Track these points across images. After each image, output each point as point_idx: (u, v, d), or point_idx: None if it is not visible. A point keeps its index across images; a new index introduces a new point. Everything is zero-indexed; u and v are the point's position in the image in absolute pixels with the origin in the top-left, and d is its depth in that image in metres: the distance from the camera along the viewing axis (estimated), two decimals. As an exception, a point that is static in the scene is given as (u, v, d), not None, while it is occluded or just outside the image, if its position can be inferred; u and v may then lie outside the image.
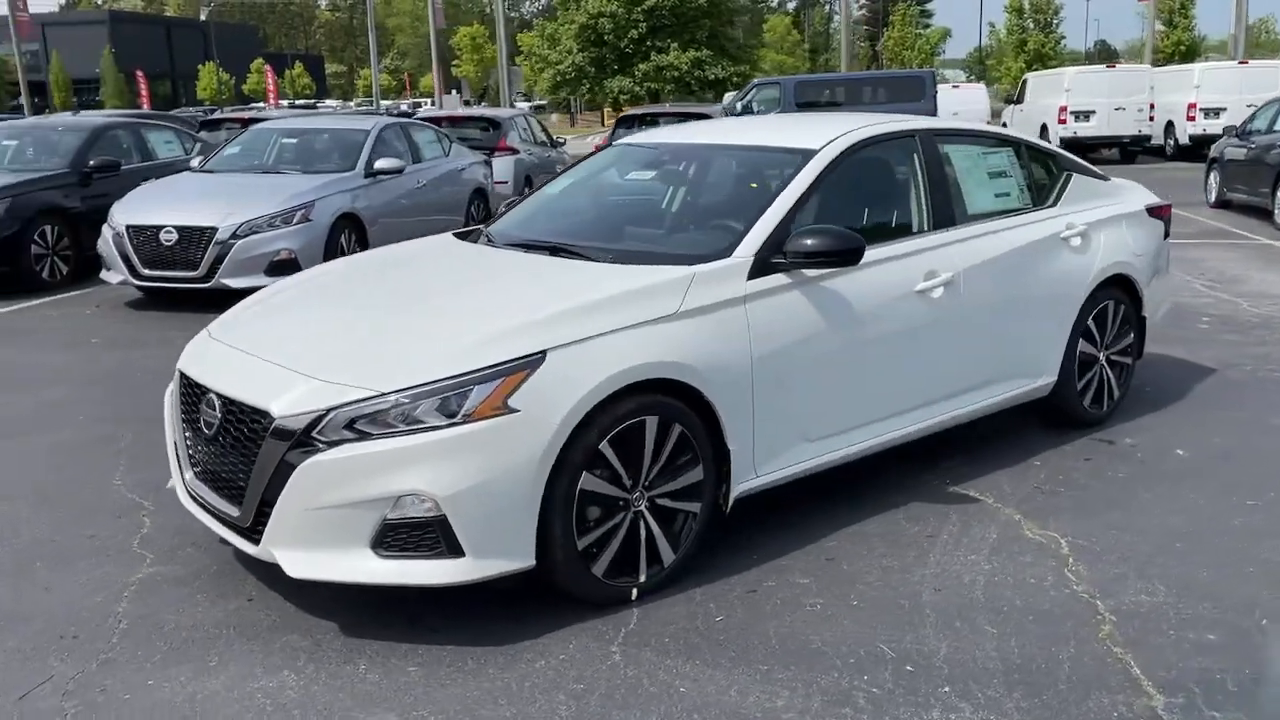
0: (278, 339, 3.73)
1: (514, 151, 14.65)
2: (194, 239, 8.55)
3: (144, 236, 8.68)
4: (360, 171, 9.78)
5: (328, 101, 68.26)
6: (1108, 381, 5.37)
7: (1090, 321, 5.19)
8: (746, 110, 22.25)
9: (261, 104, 54.25)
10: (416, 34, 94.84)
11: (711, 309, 3.71)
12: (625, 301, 3.58)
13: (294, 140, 10.44)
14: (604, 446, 3.38)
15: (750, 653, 3.23)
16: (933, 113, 21.25)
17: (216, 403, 3.51)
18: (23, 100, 33.74)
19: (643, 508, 3.54)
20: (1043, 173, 5.31)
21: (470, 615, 3.45)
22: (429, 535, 3.19)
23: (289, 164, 10.09)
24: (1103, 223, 5.29)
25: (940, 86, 26.41)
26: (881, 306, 4.22)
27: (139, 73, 60.56)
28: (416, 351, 3.37)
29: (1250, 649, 3.22)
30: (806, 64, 71.29)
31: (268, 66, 62.43)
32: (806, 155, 4.30)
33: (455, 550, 3.19)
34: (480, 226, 5.05)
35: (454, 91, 66.81)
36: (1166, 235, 5.83)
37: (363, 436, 3.18)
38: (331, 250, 8.87)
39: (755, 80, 24.29)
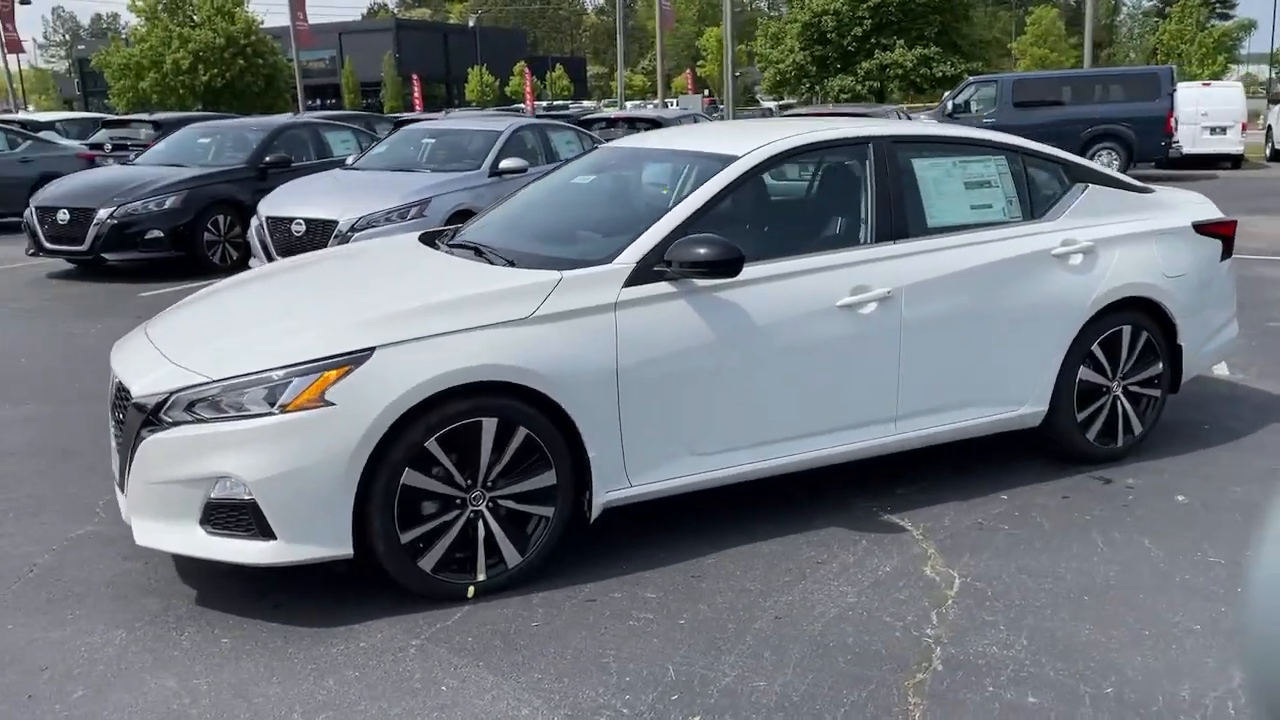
0: (176, 329, 4.04)
1: (679, 152, 14.70)
2: (319, 231, 9.22)
3: (279, 228, 9.46)
4: (485, 170, 10.20)
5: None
6: (1124, 414, 4.87)
7: (1096, 347, 4.73)
8: (961, 110, 21.38)
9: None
10: (674, 35, 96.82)
11: (574, 314, 3.70)
12: (478, 304, 3.64)
13: (434, 140, 11.02)
14: (431, 444, 3.46)
15: (536, 660, 3.23)
16: (1167, 113, 19.67)
17: (114, 384, 3.86)
18: (299, 101, 37.02)
19: (482, 508, 3.59)
20: (1045, 183, 4.89)
21: (323, 595, 3.62)
22: (244, 517, 3.39)
23: (426, 163, 10.67)
24: (1120, 239, 4.80)
25: (1187, 85, 24.29)
26: (792, 320, 4.04)
27: (415, 76, 64.91)
28: (263, 342, 3.58)
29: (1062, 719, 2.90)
30: (1073, 59, 67.00)
31: (526, 69, 65.36)
32: (725, 162, 4.19)
33: (267, 533, 3.37)
34: (455, 226, 5.21)
35: (705, 91, 67.64)
36: (1227, 256, 5.21)
37: (198, 419, 3.41)
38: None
39: (969, 79, 23.18)
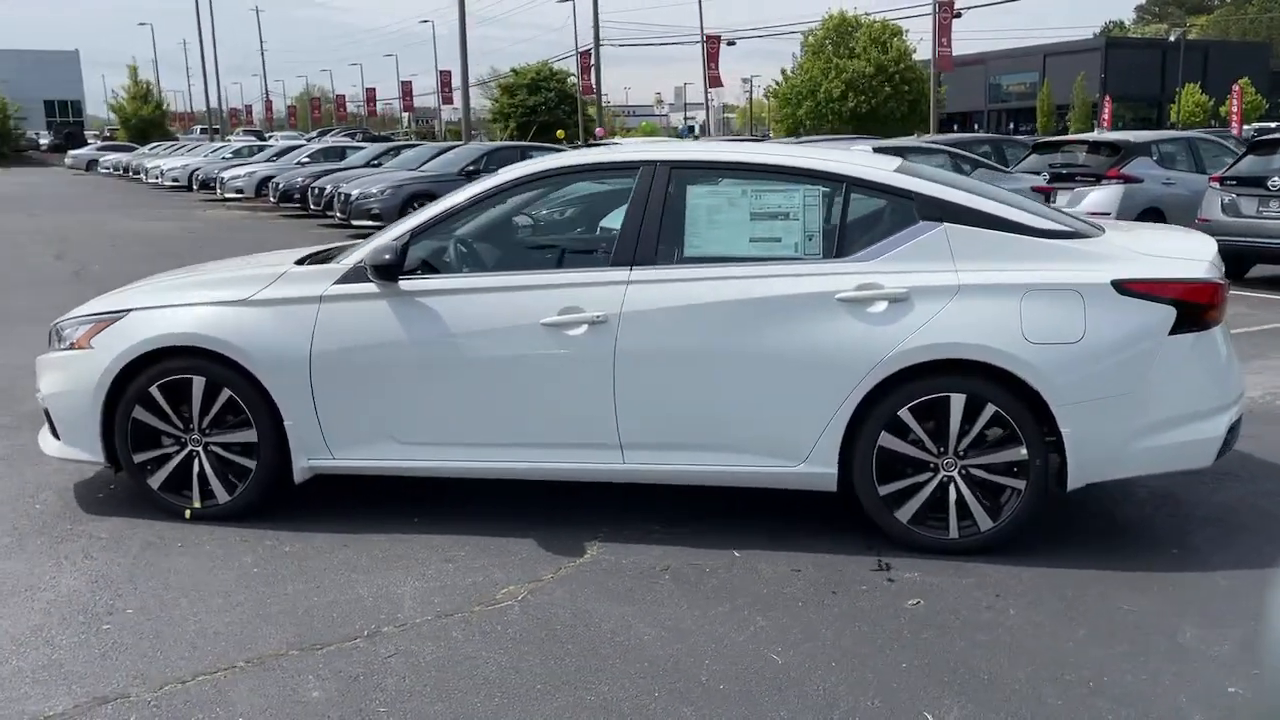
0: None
1: (1132, 180, 13.10)
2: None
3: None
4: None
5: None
6: (961, 501, 4.07)
7: (906, 413, 4.04)
8: None
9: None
10: None
11: (283, 302, 4.38)
12: (219, 285, 4.54)
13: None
14: (153, 390, 4.44)
15: (172, 581, 4.06)
16: None
17: None
18: (930, 125, 38.15)
19: (198, 449, 4.48)
20: (873, 220, 4.23)
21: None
22: (50, 421, 4.68)
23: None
24: (957, 289, 4.01)
25: None
26: (493, 332, 4.24)
27: (1107, 97, 61.14)
28: (101, 298, 4.81)
29: None
30: None
31: (1238, 87, 57.46)
32: (484, 181, 4.48)
33: (56, 434, 4.64)
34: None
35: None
36: (1190, 328, 3.98)
37: (51, 348, 4.78)
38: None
39: None
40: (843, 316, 4.05)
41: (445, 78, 66.49)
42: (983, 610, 3.67)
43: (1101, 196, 12.72)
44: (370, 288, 4.33)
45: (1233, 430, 4.15)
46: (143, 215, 22.22)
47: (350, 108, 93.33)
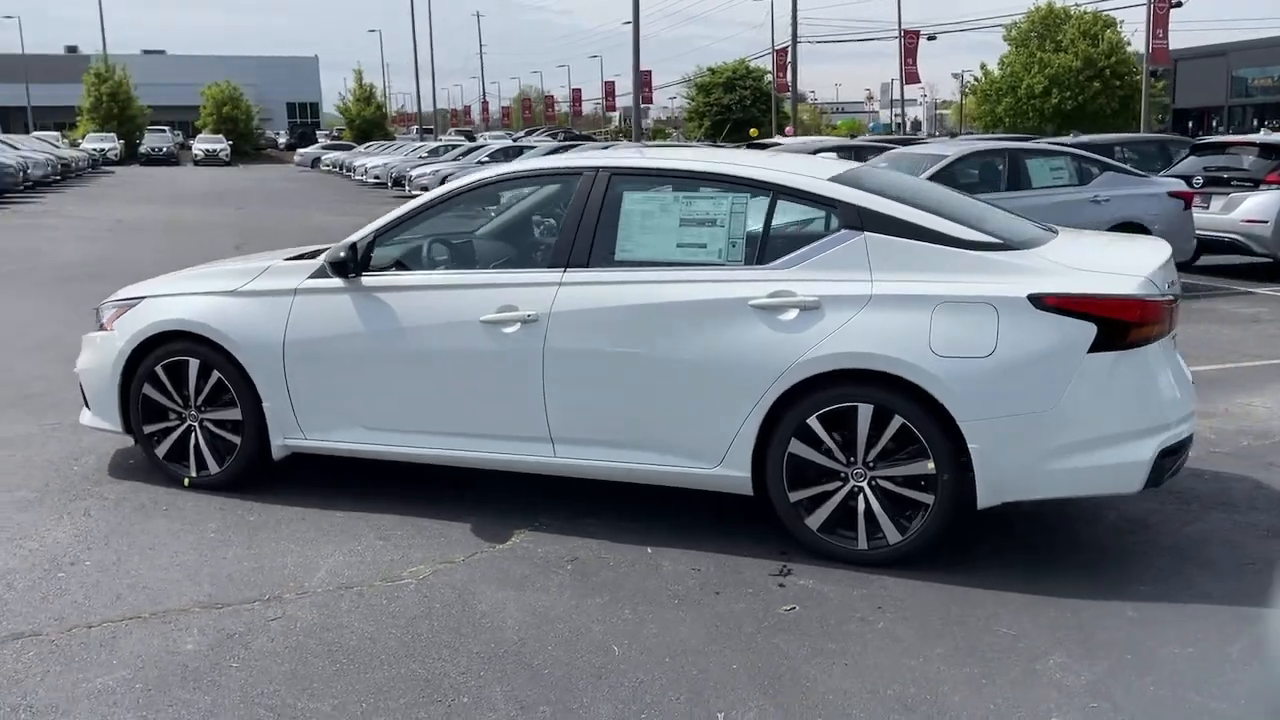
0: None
1: (1293, 186, 12.09)
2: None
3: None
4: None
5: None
6: (870, 512, 4.05)
7: (815, 421, 4.05)
8: None
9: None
10: None
11: (266, 294, 4.81)
12: (215, 278, 5.02)
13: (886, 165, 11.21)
14: (158, 369, 4.97)
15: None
16: None
17: None
18: (1141, 122, 35.99)
19: (195, 424, 4.98)
20: (797, 228, 4.22)
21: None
22: (83, 393, 5.30)
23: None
24: (869, 299, 3.98)
25: None
26: (440, 327, 4.52)
27: None
28: (134, 285, 5.39)
29: None
30: None
31: None
32: (441, 188, 4.76)
33: (86, 404, 5.25)
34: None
35: None
36: (1112, 346, 3.81)
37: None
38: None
39: None
40: (755, 323, 4.10)
41: (645, 78, 67.62)
42: (852, 621, 3.66)
43: (1258, 202, 11.81)
44: (338, 283, 4.69)
45: (1171, 454, 3.92)
46: (335, 210, 23.91)
47: (561, 108, 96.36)
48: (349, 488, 4.97)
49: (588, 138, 46.76)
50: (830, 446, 4.06)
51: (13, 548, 4.32)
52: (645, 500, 4.64)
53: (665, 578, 4.03)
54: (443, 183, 25.71)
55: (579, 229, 4.43)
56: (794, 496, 4.14)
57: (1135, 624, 3.63)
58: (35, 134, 53.13)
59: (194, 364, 4.91)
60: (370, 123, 62.72)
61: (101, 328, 5.20)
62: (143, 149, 55.44)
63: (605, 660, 3.40)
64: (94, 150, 49.82)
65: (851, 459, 4.04)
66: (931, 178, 10.19)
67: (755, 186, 4.32)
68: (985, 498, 3.94)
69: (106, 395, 5.11)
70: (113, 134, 56.05)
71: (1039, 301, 3.85)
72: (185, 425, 5.01)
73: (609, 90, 76.35)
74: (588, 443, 4.41)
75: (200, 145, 55.40)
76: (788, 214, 4.33)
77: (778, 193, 4.28)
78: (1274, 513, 4.67)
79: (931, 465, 3.94)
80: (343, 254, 4.56)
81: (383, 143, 48.01)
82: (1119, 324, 3.82)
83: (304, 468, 5.06)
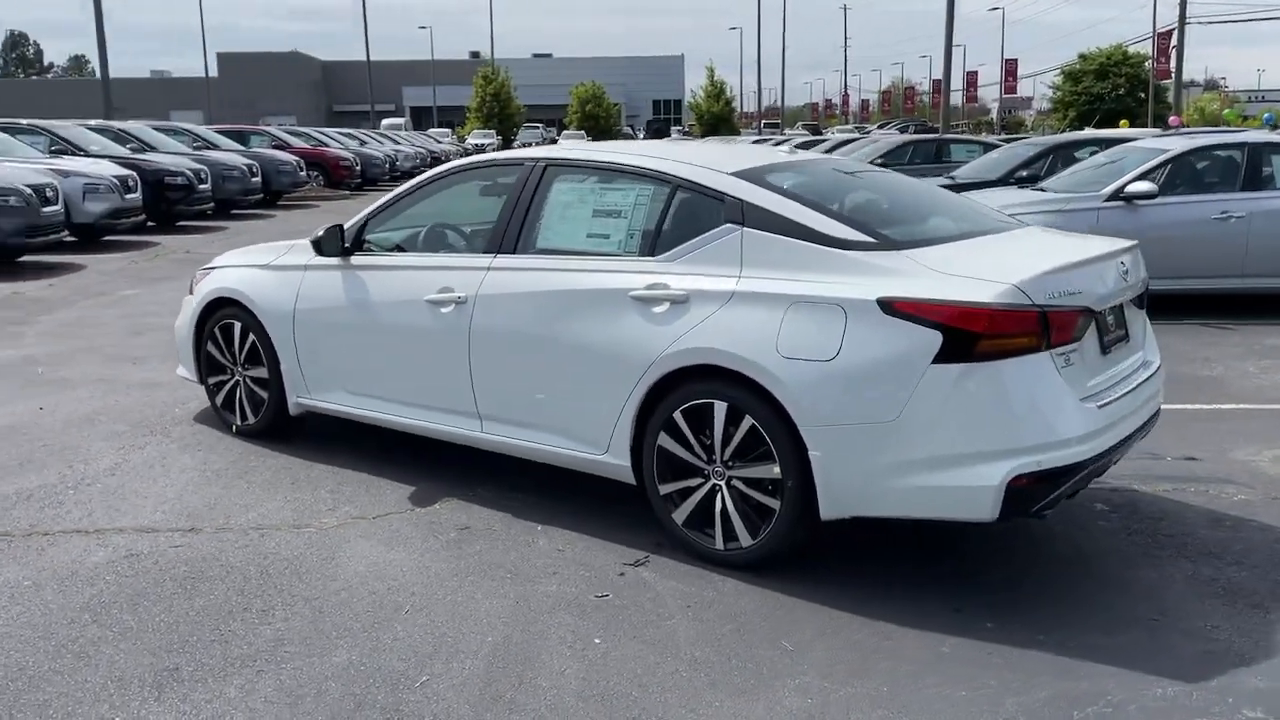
0: None
1: None
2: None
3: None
4: (1104, 194, 9.31)
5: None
6: (724, 513, 3.99)
7: (679, 415, 4.04)
8: None
9: None
10: None
11: (286, 268, 5.45)
12: (262, 252, 5.73)
13: (1087, 154, 10.23)
14: (215, 330, 5.77)
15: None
16: None
17: None
18: None
19: (240, 379, 5.73)
20: (688, 220, 4.16)
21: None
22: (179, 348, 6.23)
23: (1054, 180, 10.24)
24: (731, 295, 3.91)
25: None
26: (396, 304, 4.93)
27: None
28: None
29: None
30: None
31: None
32: (413, 180, 5.17)
33: (179, 361, 6.17)
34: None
35: None
36: (957, 358, 3.50)
37: (199, 294, 6.34)
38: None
39: None
40: (632, 314, 4.14)
41: (1010, 66, 64.16)
42: (648, 617, 3.64)
43: None
44: (335, 261, 5.23)
45: (1045, 481, 3.51)
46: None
47: (921, 99, 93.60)
48: (366, 448, 5.46)
49: (933, 129, 45.12)
50: (693, 442, 4.01)
51: (62, 466, 5.25)
52: (591, 483, 4.71)
53: (525, 553, 4.18)
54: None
55: (511, 217, 4.66)
56: (664, 489, 4.14)
57: (931, 662, 3.33)
58: (431, 130, 59.83)
59: (237, 326, 5.65)
60: (718, 118, 64.53)
61: (190, 291, 6.10)
62: (516, 143, 60.72)
63: (390, 615, 3.65)
64: (472, 144, 55.29)
65: (711, 457, 3.98)
66: (1146, 174, 9.23)
67: (658, 179, 4.33)
68: (827, 509, 3.74)
69: (186, 350, 6.00)
70: (492, 130, 61.82)
71: (887, 306, 3.60)
72: (233, 379, 5.78)
73: (971, 80, 73.25)
74: (505, 421, 4.63)
75: (564, 141, 59.81)
76: (684, 207, 4.29)
77: (676, 186, 4.27)
78: (1237, 574, 3.99)
79: (777, 470, 3.80)
80: (320, 234, 5.10)
81: (726, 137, 49.26)
82: (965, 334, 3.48)
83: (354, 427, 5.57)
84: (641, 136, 73.17)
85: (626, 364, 4.12)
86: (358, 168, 27.69)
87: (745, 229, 4.00)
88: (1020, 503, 3.54)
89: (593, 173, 4.60)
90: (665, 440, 4.08)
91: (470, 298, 4.61)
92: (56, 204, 13.26)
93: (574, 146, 5.06)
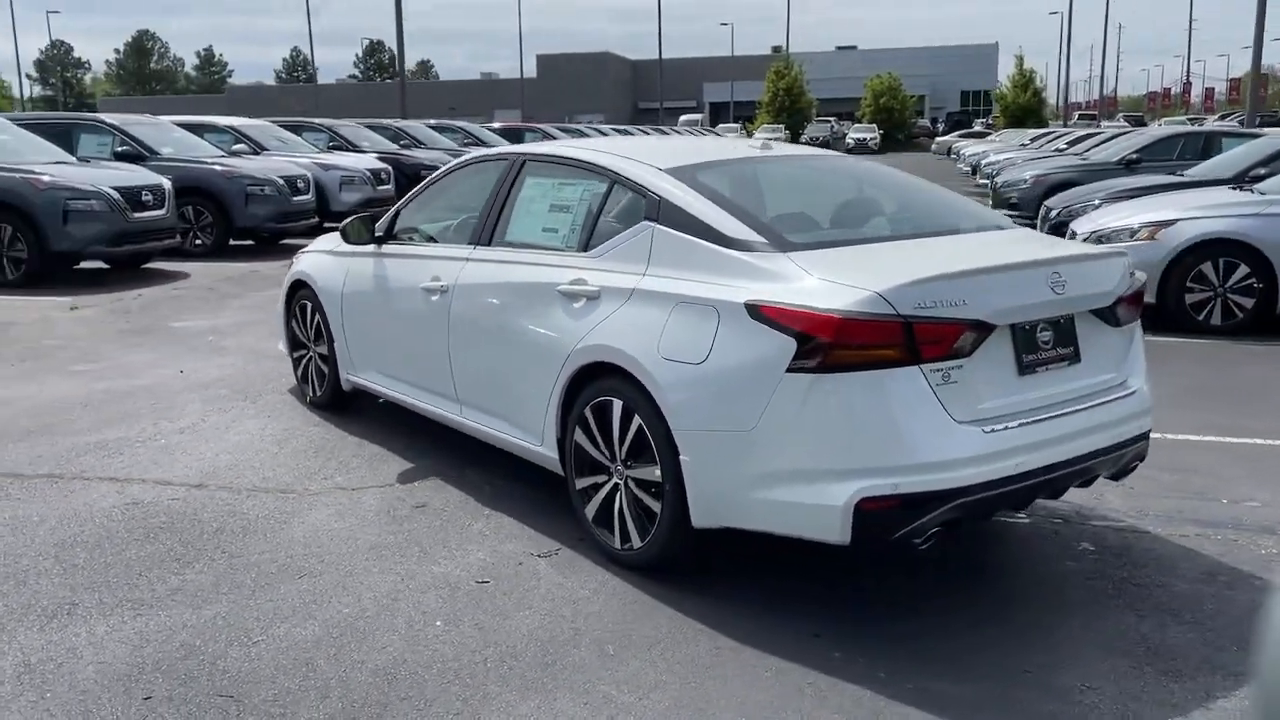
0: None
1: None
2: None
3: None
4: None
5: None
6: (623, 514, 3.95)
7: (589, 411, 4.04)
8: None
9: None
10: None
11: (340, 254, 5.86)
12: (332, 239, 6.17)
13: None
14: (296, 309, 6.31)
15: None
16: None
17: None
18: None
19: (313, 355, 6.24)
20: (619, 215, 4.12)
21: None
22: (283, 323, 6.84)
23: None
24: (632, 293, 3.87)
25: None
26: (402, 291, 5.22)
27: None
28: None
29: None
30: None
31: None
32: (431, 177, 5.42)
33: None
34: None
35: None
36: (811, 368, 3.30)
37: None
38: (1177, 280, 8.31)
39: None
40: (557, 308, 4.18)
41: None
42: (504, 606, 3.68)
43: None
44: (371, 249, 5.59)
45: (913, 507, 3.23)
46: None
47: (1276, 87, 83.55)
48: (406, 426, 5.77)
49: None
50: (599, 440, 4.00)
51: (150, 423, 5.95)
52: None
53: (452, 535, 4.31)
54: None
55: (490, 210, 4.81)
56: (579, 484, 4.14)
57: (745, 681, 3.15)
58: (720, 125, 60.68)
59: (309, 306, 6.16)
60: (1025, 109, 60.85)
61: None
62: (803, 138, 60.37)
63: (285, 578, 3.91)
64: (759, 139, 55.65)
65: (614, 455, 3.95)
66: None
67: (600, 174, 4.32)
68: (698, 516, 3.61)
69: (279, 326, 6.61)
70: (781, 125, 61.75)
71: (754, 310, 3.43)
72: (308, 355, 6.30)
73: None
74: (475, 407, 4.79)
75: (853, 134, 58.77)
76: (626, 204, 4.24)
77: (614, 181, 4.24)
78: (1181, 636, 3.44)
79: (658, 472, 3.72)
80: (346, 224, 5.46)
81: (1028, 131, 46.52)
82: (816, 342, 3.25)
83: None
84: (941, 130, 70.49)
85: (551, 357, 4.16)
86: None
87: (657, 226, 3.93)
88: (876, 528, 3.27)
89: (556, 167, 4.65)
90: (579, 435, 4.09)
91: (450, 286, 4.80)
92: (307, 194, 14.79)
93: (548, 143, 5.13)
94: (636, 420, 3.78)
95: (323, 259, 6.05)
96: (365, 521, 4.47)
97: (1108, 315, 3.78)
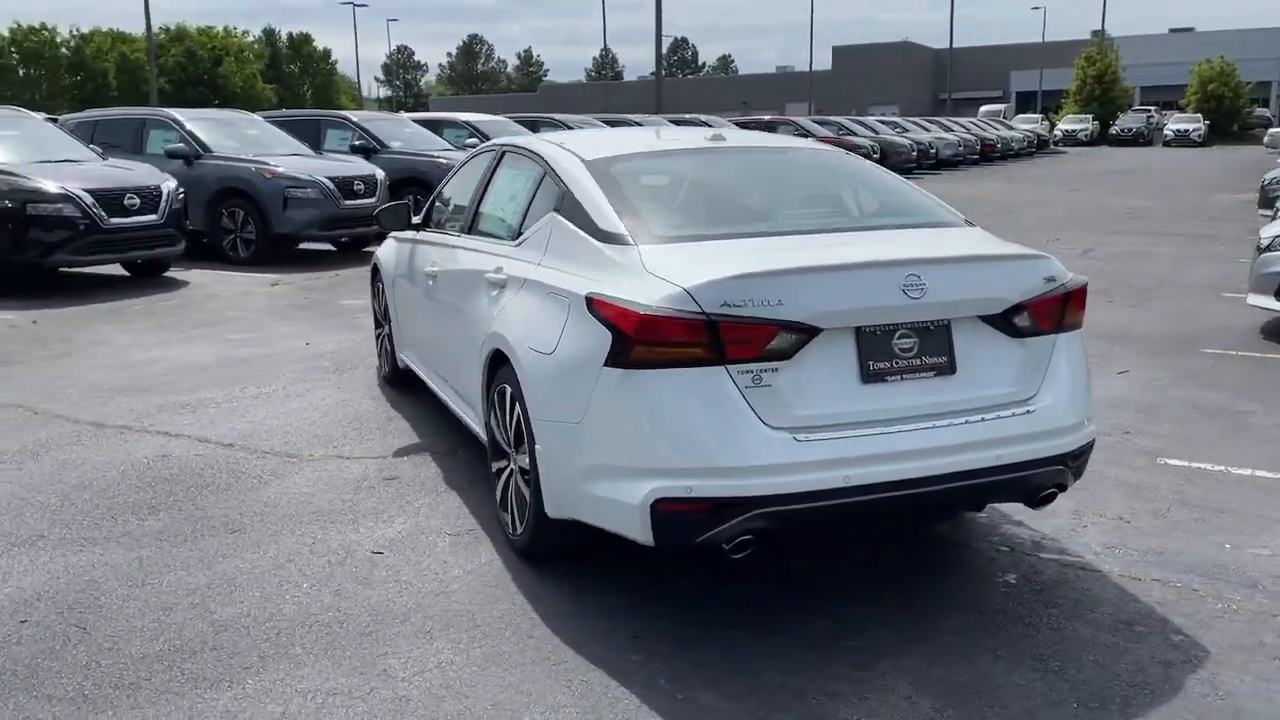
0: None
1: None
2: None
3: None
4: None
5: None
6: (512, 498, 4.02)
7: (495, 397, 4.13)
8: None
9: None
10: None
11: (401, 240, 6.20)
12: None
13: None
14: (374, 288, 6.76)
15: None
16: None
17: None
18: None
19: (385, 332, 6.67)
20: (544, 206, 4.13)
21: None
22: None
23: None
24: (524, 283, 3.92)
25: None
26: (418, 275, 5.50)
27: None
28: None
29: None
30: None
31: None
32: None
33: (376, 312, 7.29)
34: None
35: None
36: (626, 362, 3.22)
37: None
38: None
39: None
40: (482, 296, 4.29)
41: None
42: (373, 577, 3.83)
43: None
44: (410, 235, 5.90)
45: (712, 510, 3.09)
46: (1209, 191, 22.14)
47: None
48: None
49: None
50: (503, 425, 4.06)
51: (240, 387, 6.59)
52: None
53: (396, 509, 4.50)
54: None
55: (473, 200, 4.99)
56: (493, 466, 4.23)
57: (524, 672, 3.13)
58: (1020, 116, 57.29)
59: (380, 288, 6.58)
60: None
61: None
62: (1114, 129, 55.91)
63: (222, 535, 4.26)
64: (1065, 131, 52.21)
65: (509, 441, 4.01)
66: None
67: (540, 165, 4.35)
68: (550, 506, 3.59)
69: (369, 305, 7.10)
70: (1089, 115, 57.48)
71: (589, 303, 3.38)
72: (383, 333, 6.73)
73: None
74: (452, 388, 4.99)
75: (1172, 126, 53.62)
76: (550, 194, 4.25)
77: (545, 172, 4.27)
78: (1039, 684, 3.03)
79: (527, 461, 3.74)
80: (381, 210, 5.78)
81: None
82: (623, 337, 3.17)
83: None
84: (1276, 120, 62.93)
85: (476, 344, 4.27)
86: (874, 156, 27.86)
87: (557, 217, 3.93)
88: (677, 530, 3.15)
89: (520, 159, 4.72)
90: (492, 420, 4.17)
91: (438, 273, 5.02)
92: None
93: (527, 135, 5.20)
94: (519, 408, 3.82)
95: (390, 244, 6.44)
96: (331, 488, 4.77)
97: (1001, 324, 3.39)
